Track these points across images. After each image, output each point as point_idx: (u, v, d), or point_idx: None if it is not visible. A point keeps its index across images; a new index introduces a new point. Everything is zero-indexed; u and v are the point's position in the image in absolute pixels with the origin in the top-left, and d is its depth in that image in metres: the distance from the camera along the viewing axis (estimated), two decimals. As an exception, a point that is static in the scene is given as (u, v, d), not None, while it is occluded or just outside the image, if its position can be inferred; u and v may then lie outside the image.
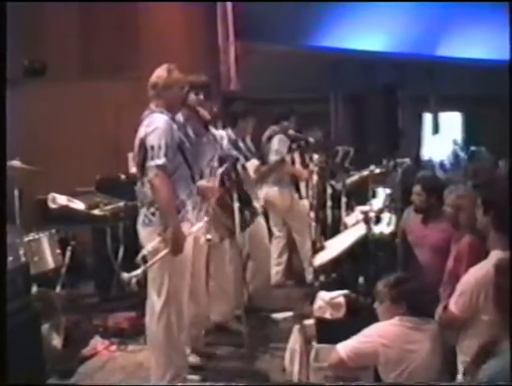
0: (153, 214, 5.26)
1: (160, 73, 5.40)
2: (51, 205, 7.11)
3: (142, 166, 5.26)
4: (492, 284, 4.17)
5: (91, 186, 8.14)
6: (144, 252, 5.10)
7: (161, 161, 5.08)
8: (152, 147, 5.10)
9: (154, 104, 5.39)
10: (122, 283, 7.20)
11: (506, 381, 3.04)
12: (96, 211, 7.30)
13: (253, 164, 7.52)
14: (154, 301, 5.33)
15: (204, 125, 5.84)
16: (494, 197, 4.48)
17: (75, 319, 6.78)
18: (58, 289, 6.94)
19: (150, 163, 5.10)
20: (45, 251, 6.75)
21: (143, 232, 5.40)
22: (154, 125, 5.17)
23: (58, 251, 6.96)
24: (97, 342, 6.59)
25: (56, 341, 6.15)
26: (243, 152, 7.47)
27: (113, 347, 6.57)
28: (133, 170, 8.63)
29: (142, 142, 5.20)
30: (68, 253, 7.16)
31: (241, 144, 7.53)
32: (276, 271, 8.59)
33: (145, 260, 5.07)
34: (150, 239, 5.26)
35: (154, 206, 5.24)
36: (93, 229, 7.98)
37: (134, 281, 4.90)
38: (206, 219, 5.60)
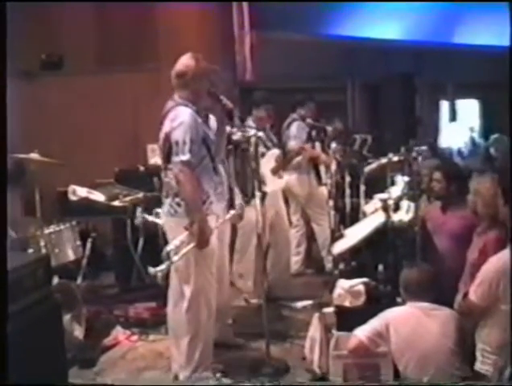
0: (178, 204, 5.27)
1: (188, 62, 5.34)
2: (72, 197, 7.16)
3: (166, 159, 5.28)
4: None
5: (110, 177, 8.17)
6: (171, 246, 5.09)
7: (186, 157, 5.09)
8: (177, 142, 5.10)
9: (179, 95, 5.35)
10: (142, 275, 7.38)
11: None
12: (115, 203, 7.35)
13: (273, 153, 7.55)
14: (184, 289, 5.34)
15: (228, 114, 5.71)
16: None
17: (96, 310, 6.86)
18: (79, 280, 7.01)
19: (175, 159, 5.11)
20: (66, 243, 6.81)
21: (169, 222, 5.43)
22: (180, 120, 5.16)
23: (78, 243, 7.03)
24: (118, 333, 6.63)
25: (78, 331, 6.22)
26: (264, 141, 7.49)
27: (134, 337, 6.61)
28: (151, 161, 8.77)
29: (168, 136, 5.19)
30: (89, 245, 7.23)
31: (261, 133, 7.54)
32: (295, 260, 8.59)
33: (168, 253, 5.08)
34: (175, 229, 5.28)
35: (179, 196, 5.25)
36: (113, 221, 8.02)
37: (160, 275, 4.93)
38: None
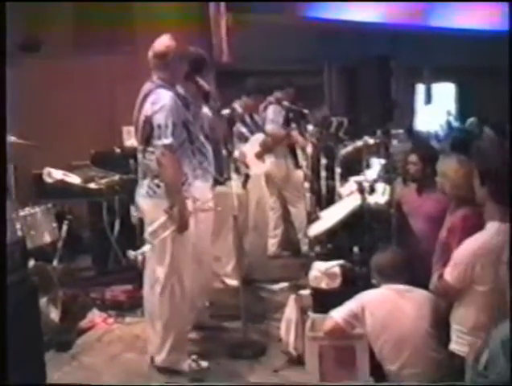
0: (158, 185, 5.26)
1: (168, 43, 5.28)
2: (47, 179, 7.11)
3: (146, 141, 5.26)
4: (490, 254, 4.23)
5: (86, 160, 8.14)
6: (151, 228, 5.09)
7: (168, 140, 5.07)
8: (159, 126, 5.08)
9: (157, 76, 5.31)
10: (119, 257, 7.38)
11: None
12: (91, 185, 7.32)
13: (258, 138, 7.58)
14: (158, 272, 5.33)
15: (204, 96, 5.74)
16: (491, 168, 4.49)
17: (72, 293, 6.83)
18: (55, 262, 6.97)
19: (158, 142, 5.10)
20: (41, 225, 6.76)
21: (147, 203, 5.40)
22: (161, 103, 5.12)
23: (54, 225, 6.99)
24: (95, 315, 6.65)
25: (54, 314, 6.21)
26: (250, 127, 7.53)
27: (111, 320, 6.63)
28: (127, 143, 8.73)
29: (148, 119, 5.17)
30: (65, 227, 7.19)
31: (247, 118, 7.58)
32: (272, 243, 8.62)
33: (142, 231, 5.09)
34: (153, 210, 5.27)
35: (158, 178, 5.24)
36: (89, 203, 8.00)
37: (140, 258, 4.92)
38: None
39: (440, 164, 5.48)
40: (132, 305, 6.78)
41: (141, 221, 5.69)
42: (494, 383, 3.10)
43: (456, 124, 16.78)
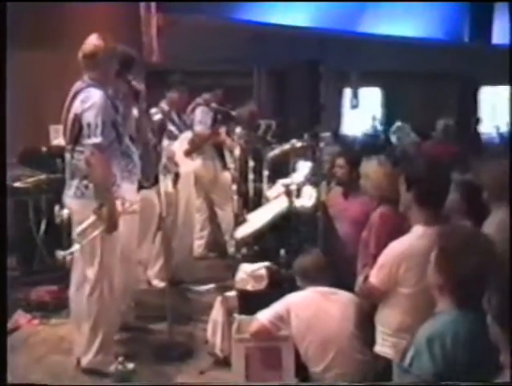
0: (86, 187, 5.23)
1: (97, 42, 5.26)
2: (-29, 177, 7.00)
3: (74, 140, 5.23)
4: (414, 257, 4.31)
5: (12, 158, 8.02)
6: (79, 229, 5.06)
7: (98, 139, 5.04)
8: (89, 125, 5.05)
9: (88, 76, 5.28)
10: (44, 257, 7.29)
11: (444, 342, 3.17)
12: (18, 184, 7.25)
13: (186, 136, 7.59)
14: (87, 272, 5.31)
15: (135, 96, 5.73)
16: (416, 173, 4.58)
17: (-4, 293, 6.74)
18: (-22, 262, 6.87)
19: (87, 141, 5.06)
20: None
21: (75, 204, 5.37)
22: (91, 102, 5.10)
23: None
24: (20, 316, 6.56)
25: (-23, 315, 6.12)
26: (178, 125, 7.53)
27: (36, 321, 6.57)
28: (55, 142, 8.60)
29: (78, 118, 5.14)
30: (-11, 226, 7.08)
31: (174, 116, 7.58)
32: (198, 244, 8.64)
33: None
34: (81, 211, 5.26)
35: (87, 179, 5.21)
36: (15, 202, 7.87)
37: (68, 258, 4.89)
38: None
39: (363, 166, 5.59)
40: (57, 306, 6.71)
41: (68, 221, 5.63)
42: (419, 379, 3.19)
43: (380, 128, 17.03)
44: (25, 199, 7.52)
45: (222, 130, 8.46)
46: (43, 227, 7.60)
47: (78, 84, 5.30)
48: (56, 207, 6.77)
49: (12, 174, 7.35)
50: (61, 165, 7.11)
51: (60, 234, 6.77)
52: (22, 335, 6.29)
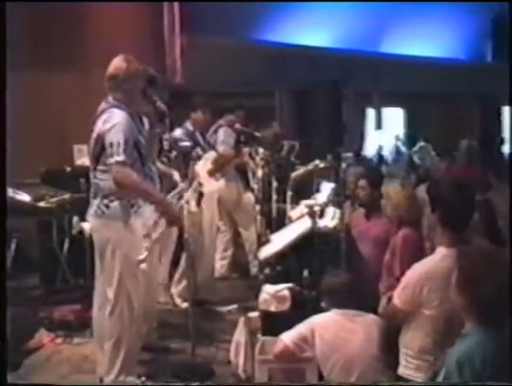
0: (107, 206, 5.24)
1: (119, 64, 5.31)
2: (-4, 197, 7.05)
3: (96, 160, 5.26)
4: (437, 279, 4.30)
5: (36, 178, 8.07)
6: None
7: (121, 157, 5.04)
8: (111, 144, 5.07)
9: (112, 97, 5.32)
10: (67, 276, 7.32)
11: (473, 364, 3.16)
12: (41, 204, 7.27)
13: (210, 156, 7.61)
14: (107, 292, 5.31)
15: (160, 117, 5.76)
16: (441, 195, 4.57)
17: (20, 312, 6.75)
18: (3, 281, 6.90)
19: (111, 160, 5.07)
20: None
21: (94, 222, 5.39)
22: (113, 122, 5.13)
23: (3, 243, 6.92)
24: (43, 335, 6.56)
25: (1, 334, 6.14)
26: (201, 144, 7.56)
27: (59, 340, 6.56)
28: (78, 162, 8.68)
29: (100, 138, 5.17)
30: (13, 245, 7.13)
31: (198, 137, 7.62)
32: (221, 265, 8.63)
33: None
34: (101, 230, 5.30)
35: (108, 198, 5.23)
36: (39, 221, 7.93)
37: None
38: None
39: (384, 187, 5.59)
40: (80, 325, 6.70)
41: (91, 240, 5.65)
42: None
43: (403, 149, 17.00)
44: (48, 218, 7.56)
45: (245, 151, 8.47)
46: (66, 246, 7.63)
47: (102, 105, 5.34)
48: (75, 218, 6.82)
49: (36, 193, 7.38)
50: (85, 185, 7.17)
51: (83, 253, 6.81)
52: (45, 354, 6.29)
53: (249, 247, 8.52)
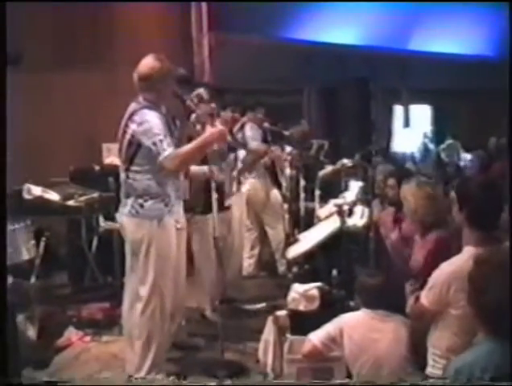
0: (141, 205, 5.25)
1: (152, 64, 5.25)
2: (26, 196, 7.10)
3: (130, 161, 5.26)
4: (464, 279, 4.26)
5: (65, 176, 8.11)
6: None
7: (168, 151, 5.06)
8: (154, 143, 5.07)
9: (143, 97, 5.29)
10: (96, 274, 7.36)
11: (472, 375, 3.13)
12: (70, 202, 7.30)
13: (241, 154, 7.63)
14: (140, 290, 5.32)
15: (188, 115, 5.74)
16: (468, 194, 4.53)
17: (49, 310, 6.77)
18: (32, 279, 6.94)
19: (160, 159, 5.07)
20: (20, 242, 6.73)
21: (129, 222, 5.37)
22: (148, 123, 5.12)
23: (32, 242, 6.96)
24: (71, 333, 6.57)
25: (31, 332, 6.16)
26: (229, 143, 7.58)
27: (87, 338, 6.58)
28: (107, 160, 8.71)
29: (134, 139, 5.17)
30: (42, 244, 7.16)
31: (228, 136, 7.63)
32: (249, 263, 8.63)
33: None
34: (135, 230, 5.29)
35: (142, 198, 5.24)
36: (68, 220, 7.97)
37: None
38: None
39: (402, 189, 5.57)
40: (109, 323, 6.75)
41: (120, 239, 5.66)
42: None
43: (432, 146, 16.90)
44: (77, 217, 7.59)
45: (274, 149, 8.44)
46: (94, 244, 7.66)
47: (133, 106, 5.31)
48: (101, 218, 6.84)
49: (65, 192, 7.42)
50: (114, 183, 7.21)
51: (111, 252, 6.84)
52: (74, 352, 6.30)
53: (276, 245, 8.51)
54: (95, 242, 7.66)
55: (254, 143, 8.18)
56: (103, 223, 6.31)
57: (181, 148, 5.21)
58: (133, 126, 5.20)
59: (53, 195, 7.27)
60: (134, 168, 5.26)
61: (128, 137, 5.24)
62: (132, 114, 5.25)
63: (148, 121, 5.14)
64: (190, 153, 5.23)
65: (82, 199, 7.38)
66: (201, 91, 6.35)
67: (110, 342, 6.47)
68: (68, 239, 8.16)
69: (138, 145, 5.17)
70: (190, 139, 5.50)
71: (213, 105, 6.05)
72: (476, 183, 4.74)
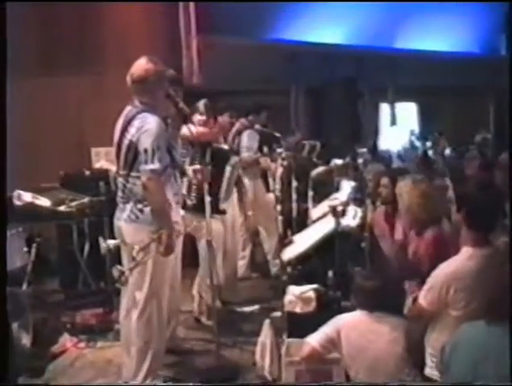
0: (140, 211, 5.22)
1: (147, 66, 5.19)
2: (17, 202, 7.04)
3: (130, 166, 5.21)
4: (463, 279, 4.27)
5: (55, 181, 8.06)
6: (136, 248, 5.04)
7: (155, 166, 5.00)
8: (146, 151, 5.01)
9: (139, 101, 5.24)
10: (88, 280, 7.31)
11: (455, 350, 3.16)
12: (61, 208, 7.25)
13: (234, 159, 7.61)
14: (137, 296, 5.30)
15: (183, 118, 5.63)
16: (466, 194, 4.55)
17: (42, 317, 6.73)
18: (24, 286, 6.89)
19: (144, 167, 5.03)
20: (12, 249, 6.67)
21: (128, 227, 5.34)
22: (147, 128, 5.06)
23: (25, 249, 6.93)
24: (66, 340, 6.55)
25: (25, 340, 6.11)
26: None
27: (82, 344, 6.56)
28: (97, 165, 8.67)
29: (133, 144, 5.12)
30: (34, 250, 7.11)
31: (221, 140, 7.62)
32: (240, 265, 8.59)
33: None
34: (135, 235, 5.25)
35: (142, 203, 5.20)
36: (59, 225, 7.91)
37: (127, 273, 4.91)
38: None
39: (397, 186, 5.57)
40: (103, 328, 6.74)
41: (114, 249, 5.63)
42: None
43: (418, 143, 16.96)
44: (68, 222, 7.54)
45: (266, 153, 8.41)
46: (86, 250, 7.63)
47: (131, 110, 5.26)
48: (101, 239, 6.79)
49: (55, 197, 7.37)
50: (104, 188, 7.17)
51: (104, 257, 6.79)
52: (69, 359, 6.28)
53: (268, 247, 8.50)
54: (87, 247, 7.60)
55: (246, 154, 8.18)
56: (104, 244, 6.26)
57: (163, 193, 5.15)
58: (132, 131, 5.15)
59: (44, 201, 7.22)
60: (133, 174, 5.20)
61: (126, 142, 5.19)
62: (131, 119, 5.20)
63: (147, 126, 5.09)
64: (161, 206, 5.13)
65: (73, 204, 7.32)
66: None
67: (105, 348, 6.45)
68: (59, 244, 8.10)
69: (137, 151, 5.11)
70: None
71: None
72: (475, 185, 4.77)
